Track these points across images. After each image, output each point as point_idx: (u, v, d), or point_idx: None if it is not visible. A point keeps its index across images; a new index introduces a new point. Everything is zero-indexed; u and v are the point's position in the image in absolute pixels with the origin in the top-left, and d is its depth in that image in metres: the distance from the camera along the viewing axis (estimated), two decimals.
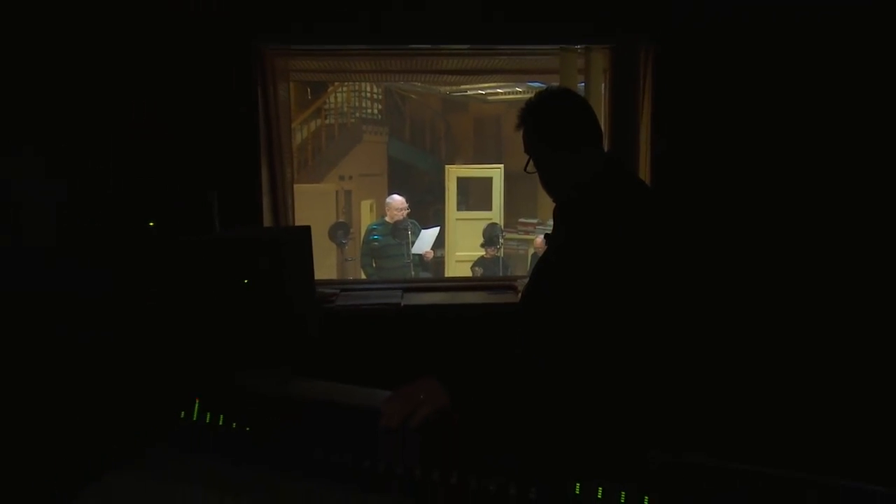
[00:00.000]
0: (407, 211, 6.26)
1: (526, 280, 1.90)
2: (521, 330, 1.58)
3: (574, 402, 1.36)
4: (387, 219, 6.25)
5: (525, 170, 1.72)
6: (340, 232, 7.06)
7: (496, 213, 8.71)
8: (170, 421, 1.41)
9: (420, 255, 6.41)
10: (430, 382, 1.30)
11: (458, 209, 9.00)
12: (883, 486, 1.00)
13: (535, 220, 9.19)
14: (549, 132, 1.66)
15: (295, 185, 3.37)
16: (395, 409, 1.25)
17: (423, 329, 2.98)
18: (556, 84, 3.21)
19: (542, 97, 1.71)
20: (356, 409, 1.31)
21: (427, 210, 10.54)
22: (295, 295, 1.36)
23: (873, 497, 1.00)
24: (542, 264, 1.65)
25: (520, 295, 2.89)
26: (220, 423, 1.38)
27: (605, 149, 1.77)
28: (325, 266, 7.24)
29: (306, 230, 1.45)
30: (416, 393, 1.28)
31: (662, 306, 1.43)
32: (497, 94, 9.76)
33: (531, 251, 7.59)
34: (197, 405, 1.40)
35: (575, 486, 1.09)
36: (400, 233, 6.12)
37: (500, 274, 6.72)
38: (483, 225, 7.47)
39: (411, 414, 1.24)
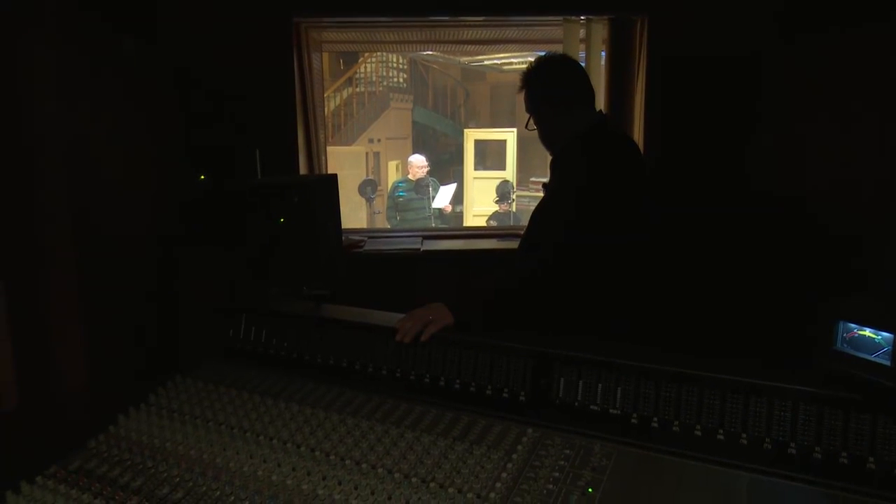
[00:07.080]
0: (427, 169, 6.30)
1: None
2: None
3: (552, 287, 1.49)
4: (410, 176, 6.30)
5: (525, 127, 1.76)
6: (369, 188, 7.11)
7: (510, 173, 8.65)
8: (221, 338, 1.51)
9: (440, 209, 6.48)
10: (438, 305, 1.38)
11: (476, 169, 8.96)
12: None
13: (545, 179, 9.07)
14: (547, 92, 1.69)
15: (329, 147, 3.42)
16: (408, 327, 1.34)
17: (437, 270, 3.08)
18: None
19: (541, 61, 1.74)
20: (376, 326, 1.39)
21: (447, 169, 10.51)
22: (323, 232, 1.44)
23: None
24: (539, 207, 1.70)
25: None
26: (262, 339, 1.47)
27: (603, 110, 1.81)
28: (356, 218, 7.32)
29: (333, 177, 1.51)
30: (426, 313, 1.36)
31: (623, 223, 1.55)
32: (511, 63, 9.57)
33: None
34: (243, 324, 1.49)
35: None
36: (422, 189, 6.18)
37: None
38: (497, 183, 7.46)
39: (422, 331, 1.33)
